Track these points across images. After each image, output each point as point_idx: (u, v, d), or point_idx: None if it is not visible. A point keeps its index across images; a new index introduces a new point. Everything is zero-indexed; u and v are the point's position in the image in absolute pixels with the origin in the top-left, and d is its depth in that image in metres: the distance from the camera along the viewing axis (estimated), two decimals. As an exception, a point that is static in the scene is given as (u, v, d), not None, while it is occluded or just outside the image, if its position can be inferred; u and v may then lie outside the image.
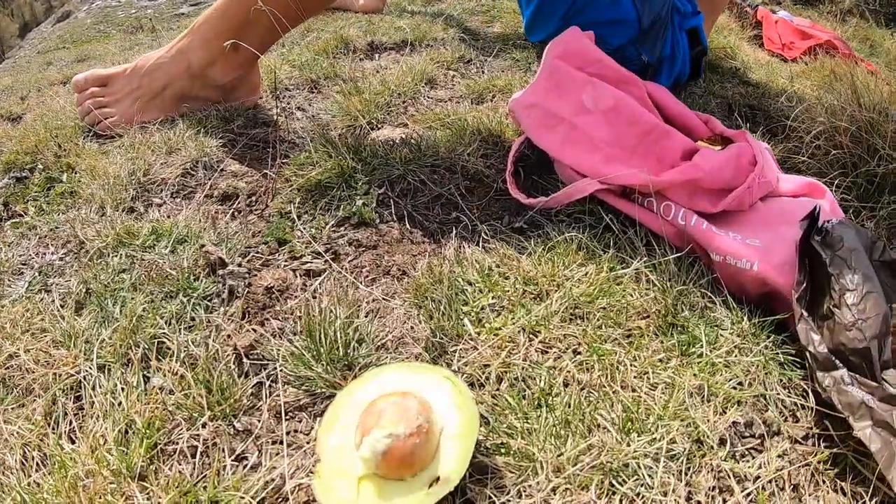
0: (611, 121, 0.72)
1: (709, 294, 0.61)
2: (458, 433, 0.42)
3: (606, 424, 0.45)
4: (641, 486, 0.42)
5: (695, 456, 0.45)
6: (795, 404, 0.53)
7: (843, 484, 0.47)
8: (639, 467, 0.43)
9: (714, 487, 0.45)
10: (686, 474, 0.44)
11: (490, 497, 0.40)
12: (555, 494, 0.40)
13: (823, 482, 0.47)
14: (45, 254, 0.71)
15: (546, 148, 0.74)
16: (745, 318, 0.59)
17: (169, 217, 0.73)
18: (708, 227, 0.65)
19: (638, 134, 0.71)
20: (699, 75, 1.36)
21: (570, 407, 0.46)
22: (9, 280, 0.69)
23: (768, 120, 1.17)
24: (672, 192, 0.68)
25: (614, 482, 0.42)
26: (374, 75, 1.23)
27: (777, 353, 0.57)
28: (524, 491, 0.41)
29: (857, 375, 0.55)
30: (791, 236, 0.63)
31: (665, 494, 0.42)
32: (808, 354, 0.56)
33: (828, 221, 0.64)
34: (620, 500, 0.41)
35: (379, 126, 0.97)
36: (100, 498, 0.42)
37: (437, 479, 0.39)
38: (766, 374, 0.55)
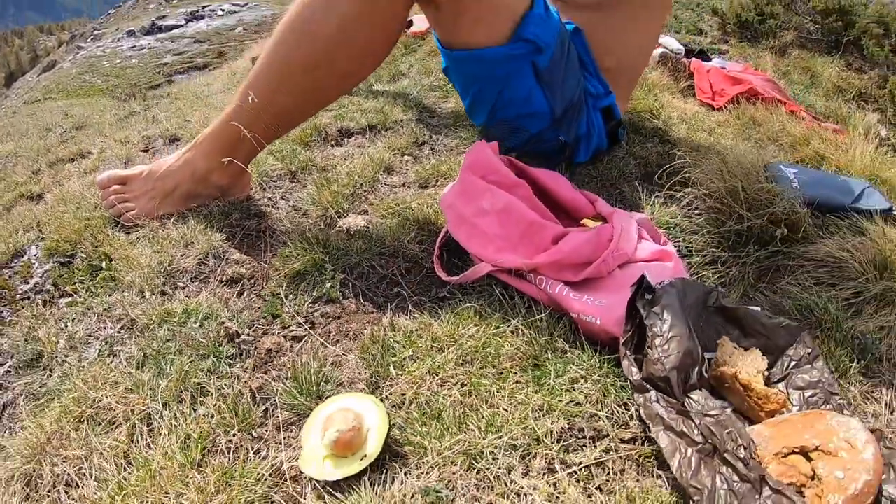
0: (502, 221, 1.03)
1: (570, 342, 0.91)
2: (377, 430, 0.72)
3: (474, 429, 0.75)
4: (490, 465, 0.72)
5: (532, 447, 0.75)
6: (629, 416, 0.81)
7: (659, 471, 0.74)
8: (490, 454, 0.73)
9: (545, 468, 0.74)
10: (524, 459, 0.74)
11: (398, 468, 0.71)
12: (435, 468, 0.71)
13: (645, 468, 0.74)
14: (106, 328, 1.01)
15: (458, 240, 1.05)
16: (596, 357, 0.86)
17: (192, 298, 1.04)
18: (568, 293, 0.95)
19: (521, 229, 1.02)
20: (618, 142, 1.60)
21: (452, 418, 0.76)
22: (81, 348, 0.98)
23: (668, 178, 1.37)
24: (544, 269, 0.98)
25: (473, 462, 0.72)
26: (343, 163, 1.54)
27: (616, 381, 0.84)
28: (419, 466, 0.71)
29: (663, 395, 0.77)
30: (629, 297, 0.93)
31: (508, 471, 0.72)
32: (629, 382, 0.81)
33: (659, 284, 0.87)
34: (477, 472, 0.71)
35: (345, 214, 1.28)
36: (172, 481, 0.71)
37: (365, 455, 0.70)
38: (604, 396, 0.82)
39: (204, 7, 8.65)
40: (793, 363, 0.90)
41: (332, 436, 0.69)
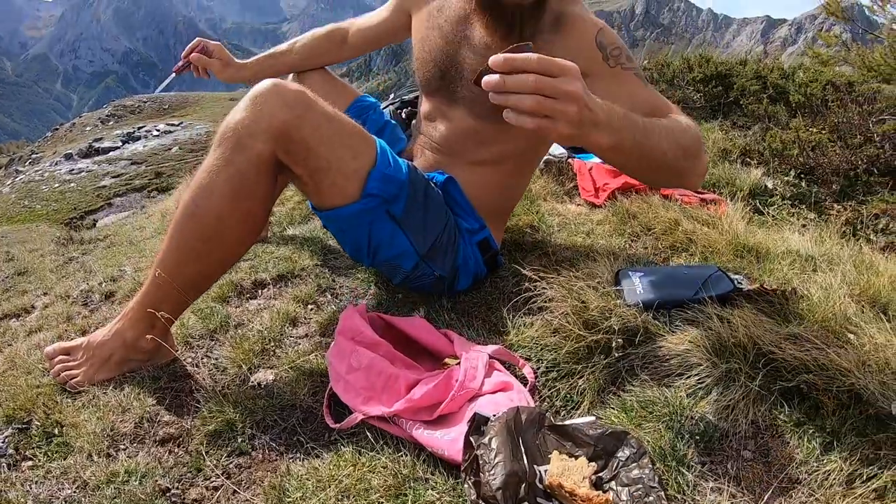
0: (367, 376, 1.34)
1: (431, 470, 1.17)
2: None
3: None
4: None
5: None
6: None
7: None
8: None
9: None
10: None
11: None
12: None
13: None
14: (63, 489, 1.27)
15: (337, 393, 1.36)
16: (452, 481, 1.12)
17: (132, 458, 1.31)
18: (422, 431, 1.22)
19: (382, 382, 1.32)
20: (497, 268, 1.84)
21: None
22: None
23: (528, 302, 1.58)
24: (403, 414, 1.28)
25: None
26: (255, 317, 1.84)
27: (467, 500, 1.11)
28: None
29: None
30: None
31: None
32: (468, 502, 1.02)
33: (493, 415, 1.10)
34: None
35: (255, 370, 1.57)
36: None
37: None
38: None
39: (139, 128, 8.93)
40: (620, 463, 1.06)
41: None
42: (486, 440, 1.06)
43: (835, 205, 3.17)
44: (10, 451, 1.41)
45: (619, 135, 1.16)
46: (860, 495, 1.02)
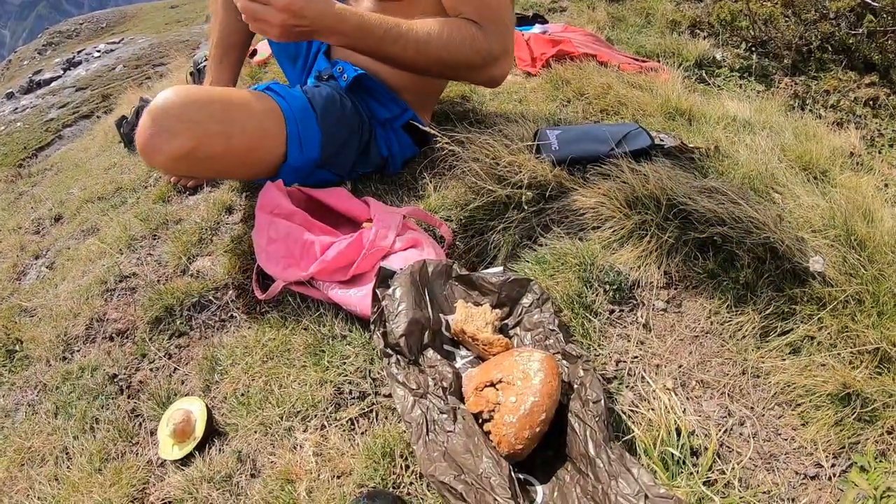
0: (286, 244, 1.39)
1: (348, 328, 1.23)
2: (200, 419, 1.13)
3: (270, 406, 1.16)
4: (279, 429, 1.14)
5: (310, 411, 1.16)
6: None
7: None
8: (278, 421, 1.14)
9: (318, 425, 1.16)
10: (303, 420, 1.15)
11: (218, 443, 1.12)
12: (243, 439, 1.12)
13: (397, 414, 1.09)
14: (27, 395, 1.39)
15: (261, 265, 1.44)
16: (365, 336, 1.20)
17: (85, 357, 1.42)
18: (336, 291, 1.27)
19: (298, 248, 1.36)
20: (427, 143, 1.77)
21: (256, 401, 1.17)
22: (12, 414, 1.37)
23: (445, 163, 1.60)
24: (320, 276, 1.34)
25: (267, 429, 1.13)
26: (194, 211, 1.91)
27: (374, 351, 1.18)
28: (232, 439, 1.12)
29: (401, 357, 1.01)
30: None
31: (290, 431, 1.14)
32: (377, 351, 1.10)
33: (400, 269, 1.14)
34: (270, 435, 1.13)
35: (194, 259, 1.66)
36: (86, 486, 1.12)
37: (196, 438, 1.11)
38: (370, 364, 1.14)
39: (79, 52, 8.58)
40: (524, 309, 1.09)
41: (169, 428, 1.10)
42: (390, 291, 1.10)
43: (784, 78, 3.06)
44: (-24, 372, 1.52)
45: (349, 41, 1.34)
46: (774, 348, 1.04)
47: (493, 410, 0.89)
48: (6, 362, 1.52)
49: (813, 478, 0.90)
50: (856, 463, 0.90)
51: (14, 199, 2.87)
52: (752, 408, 0.97)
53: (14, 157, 4.76)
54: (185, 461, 1.10)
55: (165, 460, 1.12)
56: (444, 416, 0.91)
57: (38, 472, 1.19)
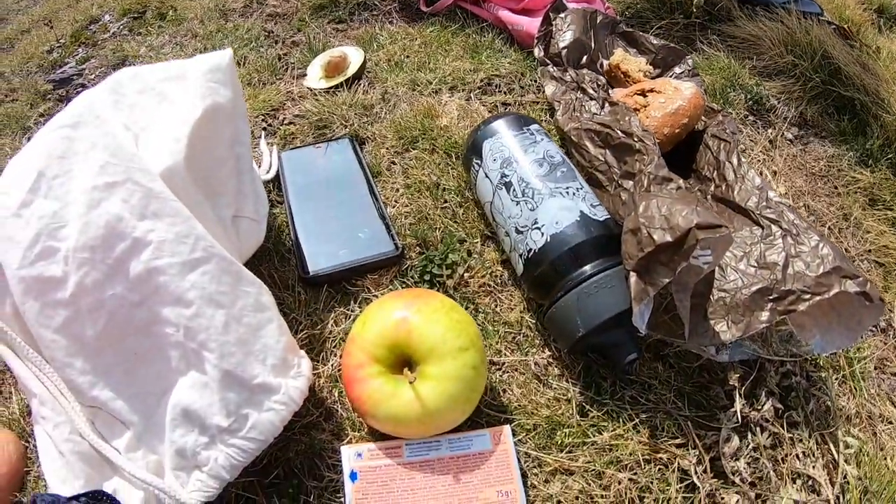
0: None
1: (505, 44, 1.21)
2: (357, 63, 1.08)
3: (421, 73, 1.10)
4: (426, 88, 1.07)
5: (458, 85, 1.10)
6: (536, 87, 1.15)
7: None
8: (427, 83, 1.08)
9: (464, 97, 1.09)
10: (451, 90, 1.09)
11: (366, 85, 1.07)
12: (391, 83, 1.07)
13: (536, 113, 1.11)
14: (176, 38, 1.38)
15: None
16: (521, 55, 1.17)
17: (241, 23, 1.39)
18: (506, 13, 1.25)
19: None
20: None
21: (409, 69, 1.11)
22: (159, 49, 1.35)
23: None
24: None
25: (414, 86, 1.07)
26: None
27: (530, 67, 1.13)
28: (379, 85, 1.07)
29: (557, 65, 1.05)
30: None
31: (436, 93, 1.07)
32: (537, 61, 1.08)
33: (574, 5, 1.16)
34: (414, 90, 1.06)
35: None
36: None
37: (347, 76, 1.05)
38: (521, 75, 1.12)
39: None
40: (674, 75, 1.09)
41: (324, 59, 1.05)
42: (562, 15, 1.11)
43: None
44: (125, 32, 1.51)
45: None
46: (878, 214, 1.03)
47: (639, 110, 0.92)
48: (157, 22, 1.50)
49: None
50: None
51: None
52: (846, 250, 0.97)
53: None
54: (330, 91, 1.07)
55: (309, 90, 1.08)
56: (594, 101, 0.94)
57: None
